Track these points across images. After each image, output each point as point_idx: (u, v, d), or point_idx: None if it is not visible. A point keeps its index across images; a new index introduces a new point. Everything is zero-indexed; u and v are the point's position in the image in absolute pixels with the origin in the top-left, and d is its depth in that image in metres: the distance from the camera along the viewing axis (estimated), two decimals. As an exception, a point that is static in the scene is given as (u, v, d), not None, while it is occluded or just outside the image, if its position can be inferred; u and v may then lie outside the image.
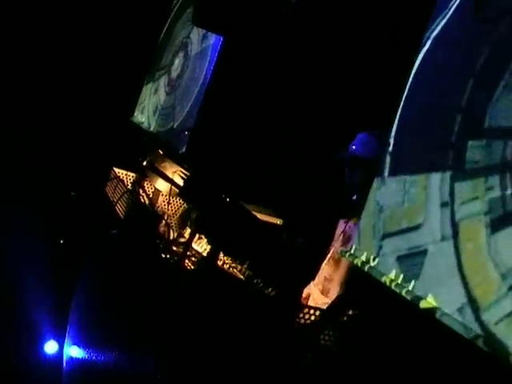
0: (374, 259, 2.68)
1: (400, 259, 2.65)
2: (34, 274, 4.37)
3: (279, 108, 4.61)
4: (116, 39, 6.75)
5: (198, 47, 5.67)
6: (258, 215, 3.65)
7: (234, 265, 3.29)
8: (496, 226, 2.16)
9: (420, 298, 2.34)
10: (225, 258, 3.31)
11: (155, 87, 6.60)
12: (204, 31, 5.45)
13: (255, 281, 3.16)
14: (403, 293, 2.42)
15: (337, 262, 3.23)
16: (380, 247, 2.77)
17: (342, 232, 3.27)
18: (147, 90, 6.79)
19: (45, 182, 5.59)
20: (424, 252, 2.51)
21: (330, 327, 2.73)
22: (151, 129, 6.19)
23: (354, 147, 3.27)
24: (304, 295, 3.37)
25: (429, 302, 2.30)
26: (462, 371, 2.27)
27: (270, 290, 3.16)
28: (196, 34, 5.76)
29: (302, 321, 2.68)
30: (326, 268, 3.29)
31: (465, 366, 2.25)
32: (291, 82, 4.51)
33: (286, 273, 3.53)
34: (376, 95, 3.75)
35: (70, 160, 6.04)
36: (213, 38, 5.22)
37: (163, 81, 6.40)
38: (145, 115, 6.63)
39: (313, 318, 2.69)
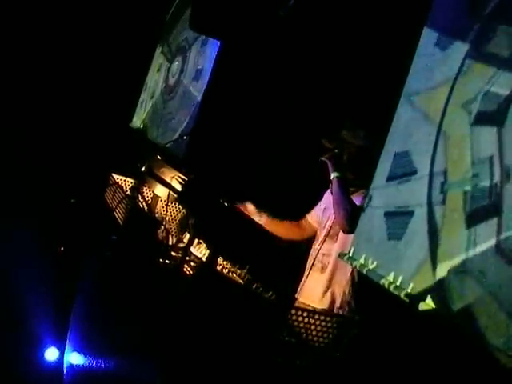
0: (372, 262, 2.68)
1: (387, 215, 2.67)
2: (34, 281, 4.36)
3: (277, 111, 4.61)
4: (115, 45, 6.75)
5: (191, 73, 5.74)
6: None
7: (233, 269, 3.29)
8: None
9: (419, 300, 2.34)
10: (224, 262, 3.31)
11: (159, 65, 6.62)
12: (200, 60, 5.50)
13: (255, 285, 3.16)
14: (402, 295, 2.43)
15: (332, 238, 3.43)
16: (370, 198, 2.86)
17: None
18: (155, 59, 6.81)
19: (44, 188, 5.59)
20: (411, 213, 2.54)
21: (325, 328, 2.74)
22: (149, 135, 6.22)
23: None
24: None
25: (428, 304, 2.30)
26: (458, 372, 2.27)
27: (269, 294, 3.17)
28: (194, 51, 5.80)
29: (296, 323, 2.69)
30: (323, 245, 3.46)
31: (461, 366, 2.25)
32: (288, 85, 4.51)
33: (285, 276, 3.56)
34: (371, 96, 3.76)
35: (69, 167, 6.04)
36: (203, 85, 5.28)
37: (163, 75, 6.42)
38: (141, 116, 6.66)
39: (306, 320, 2.70)
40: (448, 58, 2.59)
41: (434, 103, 2.63)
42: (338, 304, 3.32)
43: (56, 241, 4.88)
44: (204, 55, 5.49)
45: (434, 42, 2.72)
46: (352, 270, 3.28)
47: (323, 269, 3.44)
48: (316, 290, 3.43)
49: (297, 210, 3.93)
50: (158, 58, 6.77)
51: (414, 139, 2.67)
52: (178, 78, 6.02)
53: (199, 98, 5.29)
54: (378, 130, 2.95)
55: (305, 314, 2.71)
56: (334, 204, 3.32)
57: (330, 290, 3.37)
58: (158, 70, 6.64)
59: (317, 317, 2.73)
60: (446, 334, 2.30)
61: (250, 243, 3.15)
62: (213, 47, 5.30)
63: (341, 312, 3.26)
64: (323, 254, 3.46)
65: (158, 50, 6.84)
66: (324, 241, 3.48)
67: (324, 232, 3.51)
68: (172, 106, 5.97)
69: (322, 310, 3.23)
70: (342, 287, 3.33)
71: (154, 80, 6.69)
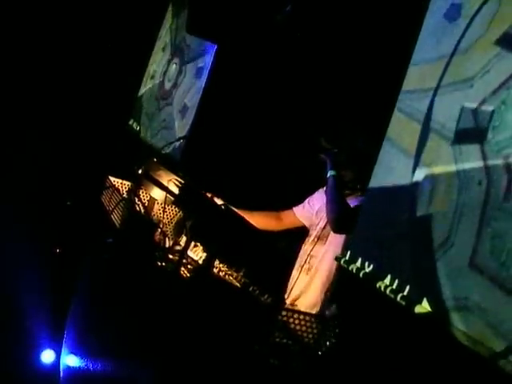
0: (368, 265, 2.70)
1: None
2: (30, 283, 4.36)
3: (273, 114, 4.63)
4: (112, 48, 6.76)
5: (180, 101, 5.81)
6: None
7: (229, 272, 3.30)
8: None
9: (415, 303, 2.36)
10: (220, 265, 3.32)
11: (164, 43, 6.60)
12: (189, 94, 5.56)
13: (251, 288, 3.17)
14: (398, 298, 2.44)
15: (322, 239, 3.44)
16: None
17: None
18: (163, 33, 6.76)
19: (40, 191, 5.59)
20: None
21: (320, 331, 2.75)
22: (144, 137, 6.24)
23: None
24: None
25: (423, 306, 2.32)
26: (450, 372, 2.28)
27: (265, 297, 3.17)
28: (189, 75, 5.85)
29: (292, 325, 2.70)
30: (313, 247, 3.47)
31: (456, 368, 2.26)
32: (284, 89, 4.52)
33: (281, 280, 3.57)
34: (368, 100, 3.78)
35: (66, 169, 6.04)
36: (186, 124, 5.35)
37: (163, 66, 6.42)
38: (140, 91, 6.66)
39: (302, 322, 2.71)
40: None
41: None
42: (318, 308, 3.33)
43: (53, 243, 4.88)
44: (194, 90, 5.56)
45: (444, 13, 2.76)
46: (335, 274, 3.29)
47: (309, 270, 3.46)
48: (303, 292, 3.45)
49: (274, 202, 3.97)
50: (166, 35, 6.67)
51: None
52: (171, 86, 6.08)
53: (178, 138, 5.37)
54: (377, 133, 2.96)
55: (300, 317, 2.72)
56: (327, 202, 3.33)
57: (312, 293, 3.39)
58: (163, 50, 6.60)
59: (308, 318, 2.74)
60: (440, 335, 2.31)
61: (246, 246, 3.16)
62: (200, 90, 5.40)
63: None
64: (311, 256, 3.47)
65: (167, 24, 6.69)
66: (315, 242, 3.49)
67: (315, 233, 3.53)
68: (165, 114, 6.03)
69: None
70: (324, 290, 3.35)
71: (158, 59, 6.67)
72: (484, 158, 2.27)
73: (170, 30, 6.56)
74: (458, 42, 2.57)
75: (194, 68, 5.69)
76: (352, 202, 3.33)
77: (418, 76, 2.80)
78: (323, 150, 3.45)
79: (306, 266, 3.48)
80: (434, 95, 2.63)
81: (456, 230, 2.30)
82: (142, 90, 6.84)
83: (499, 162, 2.19)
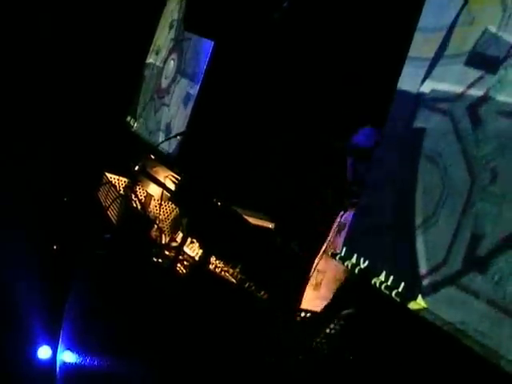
0: (363, 261, 2.70)
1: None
2: (27, 280, 4.36)
3: (270, 112, 4.62)
4: (111, 43, 6.75)
5: (177, 102, 5.80)
6: (250, 219, 3.66)
7: (225, 268, 3.30)
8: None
9: (409, 300, 2.36)
10: (217, 261, 3.32)
11: (171, 20, 6.53)
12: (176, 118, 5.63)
13: (247, 284, 3.17)
14: (393, 294, 2.45)
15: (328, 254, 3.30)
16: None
17: (337, 223, 3.34)
18: (170, 8, 6.72)
19: (37, 187, 5.59)
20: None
21: (322, 330, 2.74)
22: (140, 134, 6.25)
23: (355, 140, 3.30)
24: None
25: (418, 303, 2.32)
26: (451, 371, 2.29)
27: (262, 293, 3.17)
28: (179, 90, 5.88)
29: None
30: (319, 261, 3.34)
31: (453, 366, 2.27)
32: (282, 86, 4.52)
33: (278, 276, 3.55)
34: (366, 100, 3.77)
35: (63, 165, 6.04)
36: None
37: (166, 51, 6.42)
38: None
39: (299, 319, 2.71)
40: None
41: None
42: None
43: (49, 240, 4.87)
44: (180, 116, 5.59)
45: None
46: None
47: (317, 286, 3.32)
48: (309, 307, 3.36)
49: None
50: (174, 11, 6.58)
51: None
52: (166, 89, 6.09)
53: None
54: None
55: (302, 314, 2.72)
56: None
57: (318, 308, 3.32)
58: (170, 28, 6.53)
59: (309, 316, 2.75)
60: (438, 334, 2.31)
61: (242, 242, 3.16)
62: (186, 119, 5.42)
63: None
64: (318, 271, 3.33)
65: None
66: (321, 256, 3.36)
67: (323, 247, 3.39)
68: (159, 117, 6.06)
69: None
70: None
71: (164, 35, 6.63)
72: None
73: (180, 5, 6.43)
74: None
75: (184, 88, 5.74)
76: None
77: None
78: (337, 150, 3.41)
79: (313, 282, 3.32)
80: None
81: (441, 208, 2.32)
82: (148, 60, 6.87)
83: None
